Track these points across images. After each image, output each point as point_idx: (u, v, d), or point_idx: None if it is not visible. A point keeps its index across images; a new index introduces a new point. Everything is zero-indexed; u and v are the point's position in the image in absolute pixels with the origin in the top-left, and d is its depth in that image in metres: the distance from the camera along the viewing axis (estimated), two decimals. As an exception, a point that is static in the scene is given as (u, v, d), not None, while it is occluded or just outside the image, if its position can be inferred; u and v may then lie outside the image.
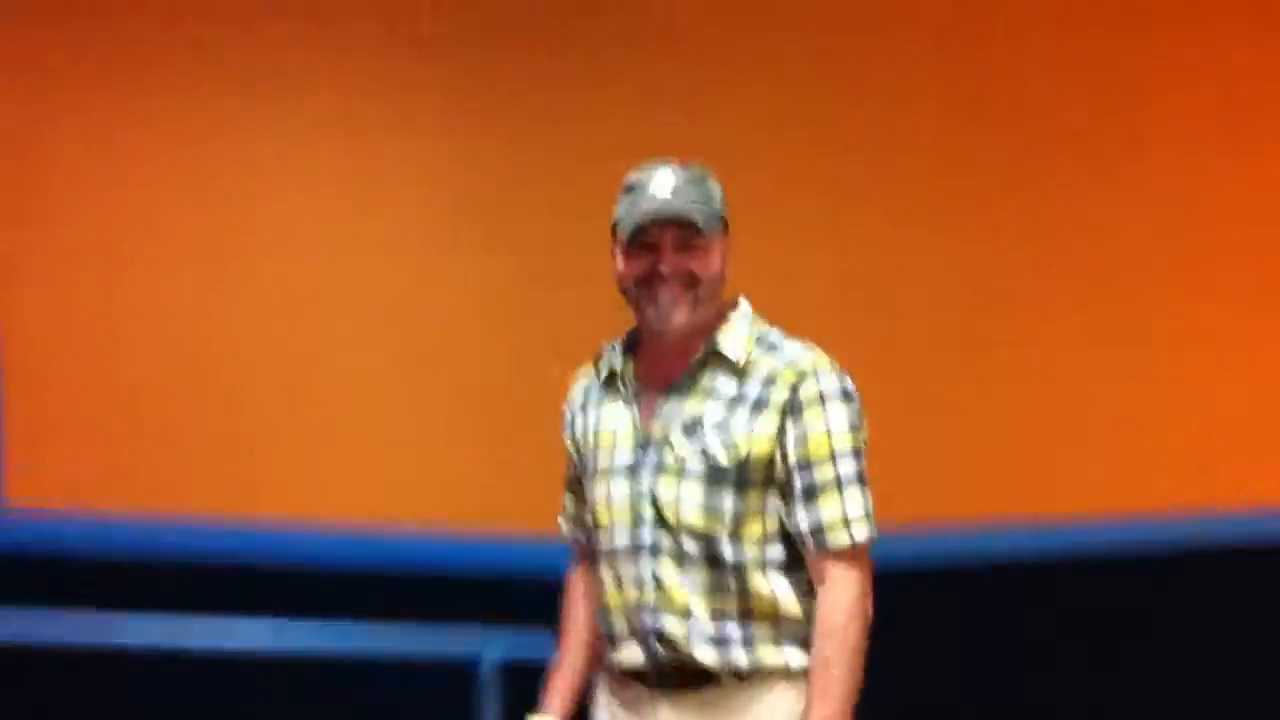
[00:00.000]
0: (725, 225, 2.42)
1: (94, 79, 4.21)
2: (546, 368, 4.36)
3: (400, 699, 4.20)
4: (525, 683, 3.72)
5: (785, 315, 2.50)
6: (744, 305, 2.47)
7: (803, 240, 4.55)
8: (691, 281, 2.37)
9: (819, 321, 2.58)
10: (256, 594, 4.03)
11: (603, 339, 2.52)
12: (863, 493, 2.36)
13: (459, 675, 3.82)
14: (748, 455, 2.35)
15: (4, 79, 4.12)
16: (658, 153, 2.45)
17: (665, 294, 2.37)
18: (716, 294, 2.41)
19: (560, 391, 2.60)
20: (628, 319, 2.44)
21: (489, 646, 3.76)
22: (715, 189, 2.42)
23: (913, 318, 4.59)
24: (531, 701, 3.80)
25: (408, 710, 4.22)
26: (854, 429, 2.37)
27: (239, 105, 4.32)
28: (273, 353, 4.29)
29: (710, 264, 2.38)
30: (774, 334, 2.44)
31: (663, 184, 2.38)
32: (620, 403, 2.47)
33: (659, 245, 2.37)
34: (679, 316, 2.37)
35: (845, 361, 2.39)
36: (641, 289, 2.39)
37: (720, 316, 2.43)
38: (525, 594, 4.28)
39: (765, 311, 2.45)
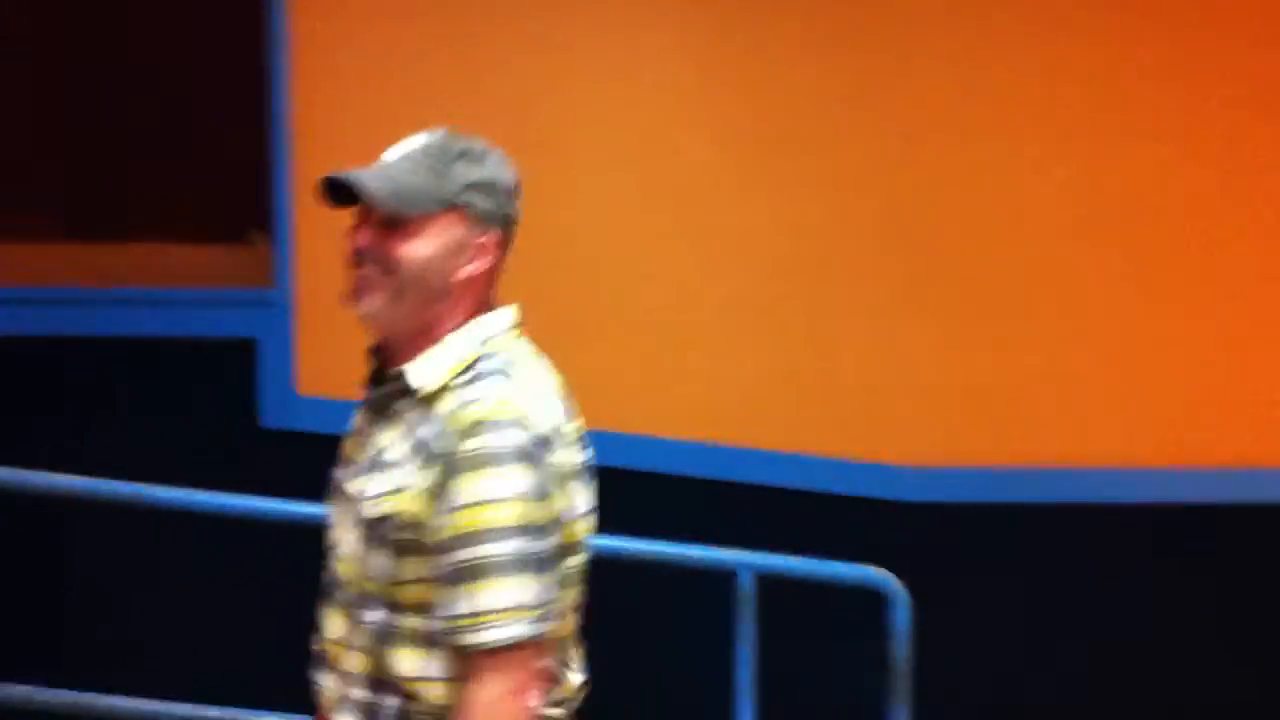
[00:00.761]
0: (479, 216, 1.97)
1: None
2: (826, 287, 4.41)
3: (659, 604, 4.30)
4: (780, 593, 3.82)
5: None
6: (492, 319, 2.01)
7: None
8: (389, 267, 1.93)
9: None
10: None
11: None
12: (519, 582, 1.85)
13: (718, 582, 3.88)
14: (393, 513, 1.90)
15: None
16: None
17: (358, 275, 1.96)
18: (441, 292, 1.95)
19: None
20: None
21: (747, 557, 3.80)
22: (470, 170, 1.98)
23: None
24: (784, 612, 3.88)
25: (668, 613, 4.33)
26: (524, 500, 1.85)
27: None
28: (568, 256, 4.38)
29: (413, 250, 1.93)
30: (494, 364, 1.95)
31: (396, 150, 2.00)
32: (364, 410, 2.06)
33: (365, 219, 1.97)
34: (368, 304, 1.94)
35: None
36: (350, 268, 1.98)
37: (448, 329, 1.97)
38: (785, 507, 4.36)
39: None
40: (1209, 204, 4.47)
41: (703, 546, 3.81)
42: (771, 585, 3.81)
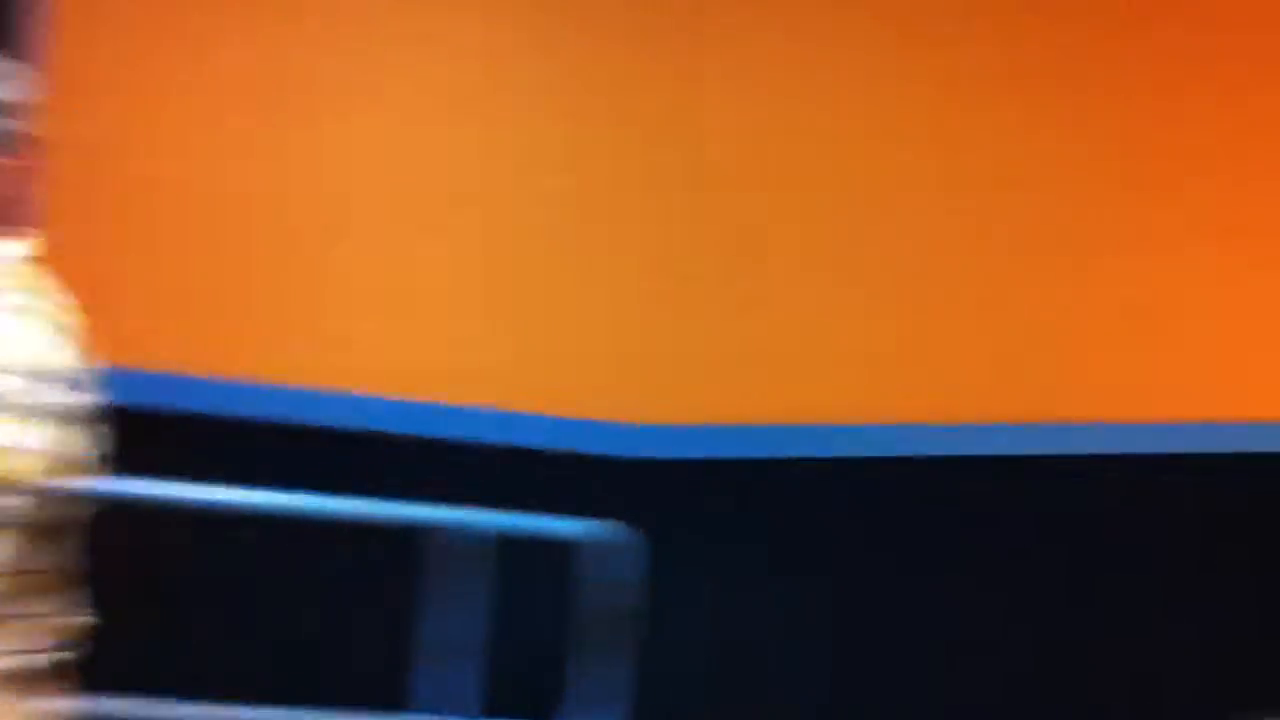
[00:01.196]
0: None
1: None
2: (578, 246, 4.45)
3: (392, 566, 4.32)
4: (515, 551, 3.87)
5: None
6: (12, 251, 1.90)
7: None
8: None
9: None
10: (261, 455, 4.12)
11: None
12: None
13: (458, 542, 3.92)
14: None
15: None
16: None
17: None
18: None
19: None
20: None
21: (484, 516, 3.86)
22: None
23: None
24: (513, 569, 3.92)
25: (403, 575, 4.35)
26: None
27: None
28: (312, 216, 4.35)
29: None
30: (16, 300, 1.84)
31: None
32: None
33: None
34: None
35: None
36: None
37: None
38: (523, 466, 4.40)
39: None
40: (999, 160, 4.62)
41: (440, 506, 3.85)
42: (506, 544, 3.86)
